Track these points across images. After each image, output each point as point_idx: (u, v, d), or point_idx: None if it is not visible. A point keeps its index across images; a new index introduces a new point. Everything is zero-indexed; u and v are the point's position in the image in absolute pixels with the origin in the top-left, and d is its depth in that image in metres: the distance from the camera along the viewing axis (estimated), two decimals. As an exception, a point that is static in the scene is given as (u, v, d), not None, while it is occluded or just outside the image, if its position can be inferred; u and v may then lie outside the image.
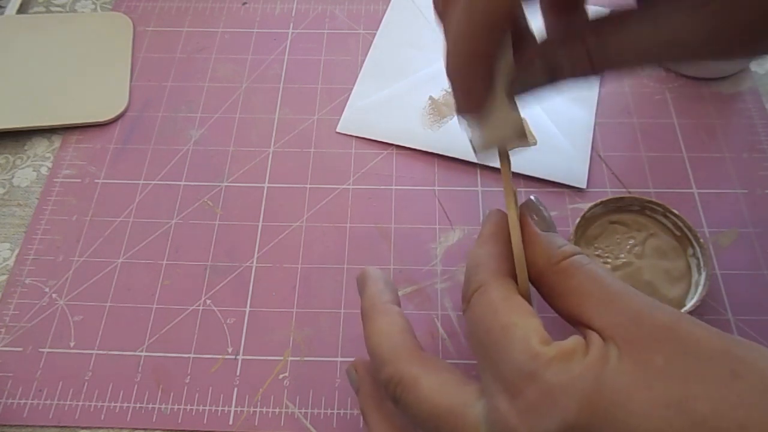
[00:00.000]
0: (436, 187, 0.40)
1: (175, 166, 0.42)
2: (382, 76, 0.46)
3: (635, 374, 0.18)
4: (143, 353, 0.35)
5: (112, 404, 0.33)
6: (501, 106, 0.23)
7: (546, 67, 0.22)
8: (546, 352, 0.19)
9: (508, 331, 0.20)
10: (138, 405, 0.33)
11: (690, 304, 0.33)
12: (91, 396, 0.33)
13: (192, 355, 0.35)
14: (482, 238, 0.24)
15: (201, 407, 0.33)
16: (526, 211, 0.24)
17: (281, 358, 0.34)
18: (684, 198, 0.39)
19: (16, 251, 0.39)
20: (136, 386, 0.34)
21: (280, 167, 0.42)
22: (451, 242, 0.38)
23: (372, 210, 0.40)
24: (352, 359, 0.31)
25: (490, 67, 0.22)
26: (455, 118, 0.43)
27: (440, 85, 0.45)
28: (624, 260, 0.35)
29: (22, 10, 0.51)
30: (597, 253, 0.35)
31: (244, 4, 0.51)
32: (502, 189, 0.24)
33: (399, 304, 0.27)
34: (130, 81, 0.46)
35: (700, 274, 0.34)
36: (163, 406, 0.33)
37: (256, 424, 0.32)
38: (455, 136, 0.42)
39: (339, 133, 0.43)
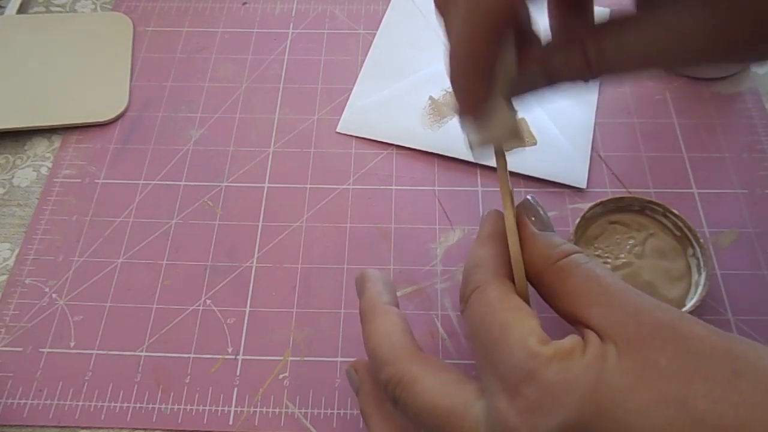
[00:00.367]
0: (436, 187, 0.40)
1: (175, 166, 0.42)
2: (382, 76, 0.46)
3: (635, 373, 0.18)
4: (143, 353, 0.35)
5: (112, 404, 0.33)
6: (499, 107, 0.23)
7: (544, 71, 0.22)
8: (544, 351, 0.19)
9: (506, 330, 0.20)
10: (138, 405, 0.33)
11: (690, 304, 0.33)
12: (91, 396, 0.33)
13: (192, 355, 0.35)
14: (480, 238, 0.24)
15: (201, 407, 0.33)
16: (523, 211, 0.24)
17: (281, 358, 0.34)
18: (684, 198, 0.39)
19: (16, 251, 0.39)
20: (136, 386, 0.34)
21: (280, 167, 0.42)
22: (451, 242, 0.38)
23: (372, 210, 0.40)
24: (352, 359, 0.31)
25: (491, 69, 0.22)
26: (455, 118, 0.43)
27: (440, 85, 0.45)
28: (624, 260, 0.35)
29: (22, 10, 0.51)
30: (597, 253, 0.35)
31: (244, 4, 0.51)
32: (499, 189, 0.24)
33: (398, 305, 0.27)
34: (130, 81, 0.46)
35: (700, 274, 0.34)
36: (163, 406, 0.33)
37: (256, 424, 0.32)
38: (455, 136, 0.42)
39: (339, 133, 0.43)
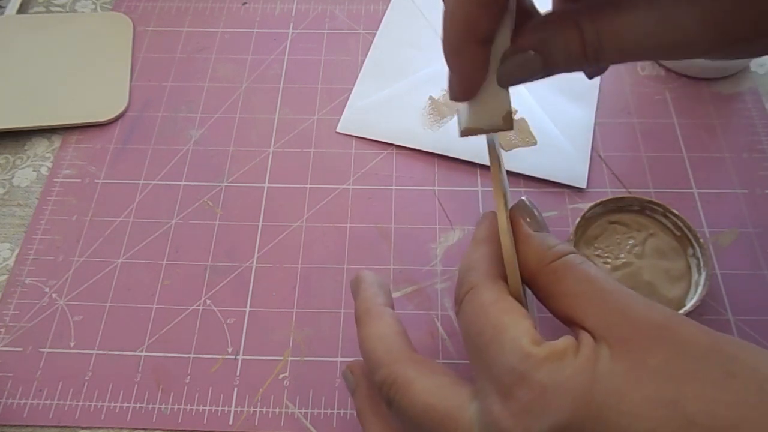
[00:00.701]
0: (436, 187, 0.40)
1: (175, 166, 0.42)
2: (382, 76, 0.46)
3: (627, 374, 0.18)
4: (143, 353, 0.35)
5: (112, 404, 0.33)
6: (492, 90, 0.23)
7: (539, 54, 0.22)
8: (537, 352, 0.19)
9: (499, 332, 0.20)
10: (138, 405, 0.33)
11: (690, 304, 0.33)
12: (91, 396, 0.33)
13: (192, 355, 0.35)
14: (475, 240, 0.24)
15: (201, 407, 0.33)
16: (518, 212, 0.24)
17: (281, 358, 0.34)
18: (684, 198, 0.39)
19: (16, 251, 0.39)
20: (136, 386, 0.34)
21: (280, 167, 0.42)
22: (451, 242, 0.38)
23: (372, 210, 0.40)
24: (352, 359, 0.31)
25: (484, 49, 0.22)
26: (455, 118, 0.43)
27: (440, 85, 0.45)
28: (624, 260, 0.35)
29: (22, 10, 0.51)
30: (597, 253, 0.35)
31: (244, 4, 0.51)
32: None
33: (393, 307, 0.27)
34: (130, 81, 0.46)
35: (700, 274, 0.34)
36: (163, 406, 0.33)
37: (256, 424, 0.32)
38: (455, 136, 0.42)
39: (339, 133, 0.43)
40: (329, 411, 0.33)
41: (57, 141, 0.44)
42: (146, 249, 0.38)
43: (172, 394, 0.33)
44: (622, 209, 0.36)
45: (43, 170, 0.42)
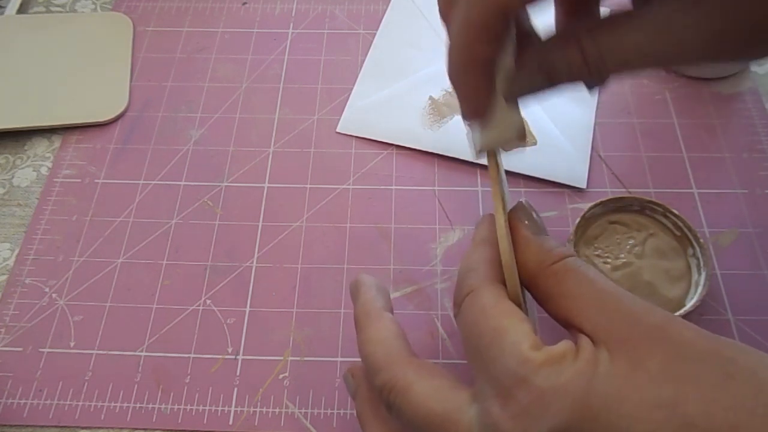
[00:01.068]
0: (436, 187, 0.40)
1: (175, 166, 0.42)
2: (382, 76, 0.46)
3: (626, 377, 0.18)
4: (143, 353, 0.35)
5: (112, 404, 0.33)
6: (501, 108, 0.23)
7: (543, 70, 0.22)
8: (536, 357, 0.19)
9: (498, 335, 0.20)
10: (138, 405, 0.33)
11: (690, 304, 0.33)
12: (91, 396, 0.33)
13: (192, 355, 0.35)
14: (474, 242, 0.24)
15: (201, 407, 0.33)
16: (516, 215, 0.24)
17: (281, 358, 0.34)
18: (684, 198, 0.39)
19: (16, 251, 0.39)
20: (136, 386, 0.34)
21: (280, 167, 0.42)
22: (451, 242, 0.38)
23: (372, 210, 0.40)
24: (352, 359, 0.31)
25: (491, 69, 0.22)
26: (455, 118, 0.43)
27: (440, 85, 0.45)
28: (624, 260, 0.35)
29: (22, 10, 0.51)
30: (597, 253, 0.35)
31: (244, 4, 0.51)
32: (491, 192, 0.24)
33: (392, 311, 0.27)
34: (130, 81, 0.46)
35: (700, 274, 0.34)
36: (163, 406, 0.33)
37: (256, 424, 0.32)
38: (455, 136, 0.42)
39: (339, 133, 0.43)
40: (329, 411, 0.33)
41: (57, 141, 0.44)
42: (146, 249, 0.38)
43: (172, 394, 0.33)
44: (622, 209, 0.36)
45: (43, 170, 0.42)
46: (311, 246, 0.38)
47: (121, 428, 0.33)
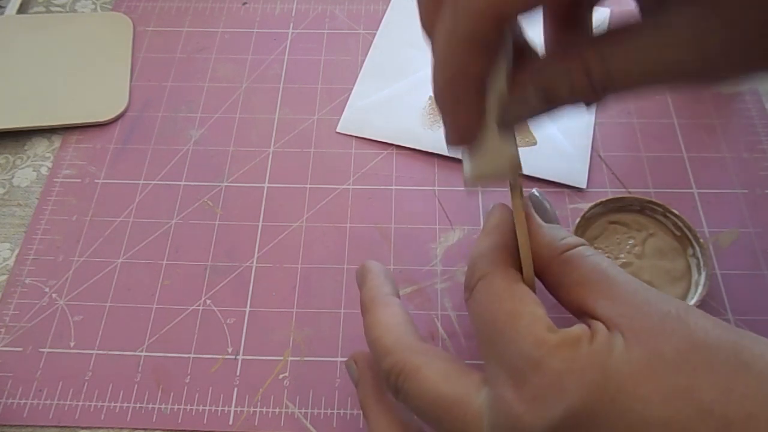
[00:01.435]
0: (436, 187, 0.40)
1: (175, 166, 0.42)
2: (382, 76, 0.46)
3: (642, 362, 0.18)
4: (143, 353, 0.35)
5: (112, 404, 0.33)
6: (493, 135, 0.21)
7: (541, 91, 0.20)
8: (551, 339, 0.19)
9: (512, 319, 0.20)
10: (138, 405, 0.33)
11: (690, 303, 0.33)
12: (91, 396, 0.33)
13: (192, 355, 0.35)
14: (486, 229, 0.24)
15: (201, 407, 0.33)
16: (528, 204, 0.24)
17: (281, 358, 0.34)
18: (684, 198, 0.39)
19: (16, 251, 0.39)
20: (136, 386, 0.34)
21: (280, 167, 0.42)
22: (451, 242, 0.38)
23: (372, 210, 0.40)
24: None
25: (480, 92, 0.20)
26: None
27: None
28: (624, 260, 0.35)
29: (22, 10, 0.51)
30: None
31: (244, 4, 0.51)
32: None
33: (398, 297, 0.27)
34: (130, 81, 0.46)
35: (700, 274, 0.34)
36: (163, 406, 0.33)
37: (256, 424, 0.32)
38: (455, 136, 0.42)
39: (339, 133, 0.43)
40: (329, 411, 0.33)
41: (57, 141, 0.44)
42: (146, 249, 0.38)
43: (172, 394, 0.33)
44: (622, 209, 0.36)
45: (43, 170, 0.42)
46: (311, 246, 0.38)
47: (121, 428, 0.33)
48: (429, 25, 0.21)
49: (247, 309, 0.36)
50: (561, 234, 0.22)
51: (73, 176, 0.42)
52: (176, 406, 0.33)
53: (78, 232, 0.39)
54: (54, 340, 0.35)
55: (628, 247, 0.35)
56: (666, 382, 0.17)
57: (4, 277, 0.38)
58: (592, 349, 0.18)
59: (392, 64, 0.47)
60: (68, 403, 0.33)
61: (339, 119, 0.44)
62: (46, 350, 0.35)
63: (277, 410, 0.33)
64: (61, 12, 0.52)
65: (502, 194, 0.39)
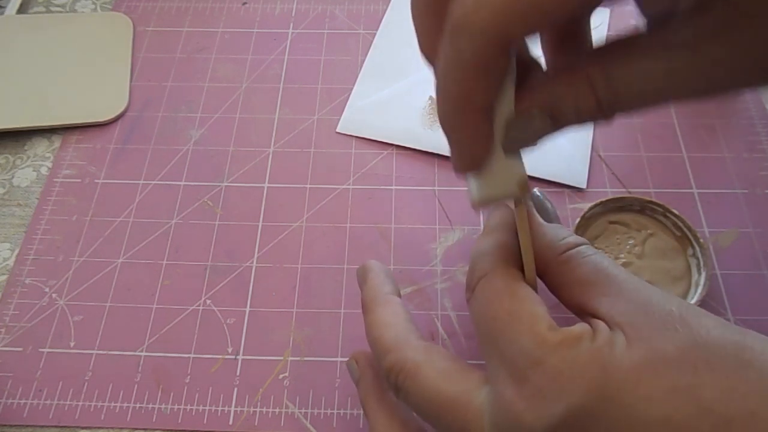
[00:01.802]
0: (436, 187, 0.40)
1: (175, 166, 0.42)
2: (382, 76, 0.46)
3: (643, 360, 0.18)
4: (143, 353, 0.35)
5: (112, 404, 0.33)
6: (499, 156, 0.21)
7: (547, 115, 0.20)
8: (553, 337, 0.19)
9: (514, 317, 0.20)
10: (138, 405, 0.33)
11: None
12: (91, 396, 0.33)
13: (192, 355, 0.35)
14: (488, 228, 0.24)
15: (201, 407, 0.33)
16: (530, 204, 0.24)
17: (281, 358, 0.34)
18: (684, 198, 0.39)
19: (16, 251, 0.39)
20: (136, 386, 0.34)
21: (280, 167, 0.42)
22: (451, 242, 0.38)
23: (372, 210, 0.40)
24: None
25: (487, 118, 0.20)
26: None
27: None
28: (624, 260, 0.35)
29: (22, 10, 0.51)
30: (597, 253, 0.35)
31: (244, 4, 0.51)
32: None
33: (399, 296, 0.27)
34: (130, 81, 0.46)
35: (700, 274, 0.34)
36: (163, 406, 0.33)
37: (256, 424, 0.32)
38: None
39: (339, 133, 0.43)
40: (329, 411, 0.33)
41: (57, 141, 0.44)
42: (146, 249, 0.38)
43: (172, 394, 0.33)
44: (622, 209, 0.36)
45: (43, 170, 0.42)
46: (311, 246, 0.38)
47: (121, 428, 0.33)
48: (429, 50, 0.20)
49: (247, 309, 0.36)
50: (562, 233, 0.22)
51: (73, 176, 0.42)
52: (176, 406, 0.33)
53: (78, 232, 0.39)
54: (54, 340, 0.35)
55: (628, 247, 0.35)
56: (667, 381, 0.17)
57: (4, 277, 0.38)
58: (593, 347, 0.18)
59: (392, 64, 0.47)
60: (68, 403, 0.33)
61: (339, 119, 0.44)
62: (46, 350, 0.35)
63: (277, 410, 0.33)
64: (61, 12, 0.52)
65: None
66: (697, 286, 0.33)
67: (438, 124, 0.43)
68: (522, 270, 0.23)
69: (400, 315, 0.25)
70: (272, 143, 0.43)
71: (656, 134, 0.42)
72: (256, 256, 0.38)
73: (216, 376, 0.34)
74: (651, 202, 0.36)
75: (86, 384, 0.34)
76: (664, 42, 0.18)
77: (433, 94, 0.44)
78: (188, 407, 0.33)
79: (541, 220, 0.23)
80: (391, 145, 0.42)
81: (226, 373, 0.34)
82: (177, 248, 0.38)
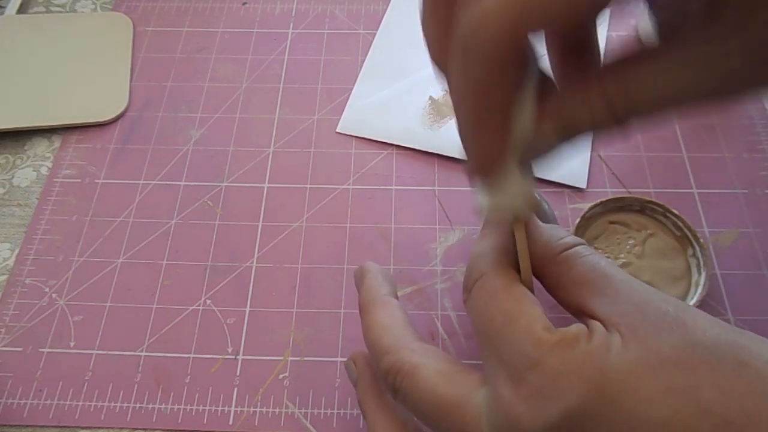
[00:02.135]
0: (436, 187, 0.40)
1: (175, 166, 0.42)
2: (382, 76, 0.46)
3: (640, 361, 0.18)
4: (143, 353, 0.35)
5: (112, 404, 0.33)
6: (513, 169, 0.21)
7: (561, 129, 0.19)
8: (549, 338, 0.19)
9: (510, 319, 0.20)
10: (138, 405, 0.33)
11: (690, 304, 0.33)
12: (91, 396, 0.33)
13: (192, 355, 0.35)
14: (485, 230, 0.24)
15: (201, 407, 0.33)
16: None
17: (281, 358, 0.34)
18: (684, 198, 0.39)
19: (16, 251, 0.39)
20: (136, 386, 0.34)
21: (280, 167, 0.42)
22: (451, 242, 0.38)
23: (372, 210, 0.40)
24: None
25: (504, 122, 0.19)
26: (455, 120, 0.43)
27: (440, 85, 0.45)
28: (624, 260, 0.35)
29: (22, 10, 0.51)
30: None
31: (244, 4, 0.51)
32: None
33: (397, 297, 0.27)
34: (130, 81, 0.46)
35: (700, 274, 0.34)
36: (163, 406, 0.33)
37: (256, 424, 0.32)
38: (455, 136, 0.42)
39: (339, 133, 0.43)
40: (329, 411, 0.33)
41: (57, 141, 0.44)
42: (146, 249, 0.38)
43: (172, 394, 0.33)
44: (622, 209, 0.36)
45: (43, 170, 0.42)
46: (311, 246, 0.38)
47: (121, 428, 0.33)
48: (439, 56, 0.20)
49: (247, 309, 0.36)
50: (559, 234, 0.22)
51: (73, 176, 0.42)
52: (176, 406, 0.33)
53: (78, 232, 0.39)
54: (54, 340, 0.35)
55: (628, 247, 0.35)
56: (664, 381, 0.17)
57: (4, 277, 0.38)
58: (589, 348, 0.18)
59: (392, 64, 0.47)
60: (68, 403, 0.33)
61: (339, 119, 0.44)
62: (46, 350, 0.35)
63: (277, 410, 0.33)
64: (61, 12, 0.52)
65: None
66: (697, 286, 0.33)
67: (438, 124, 0.43)
68: (519, 271, 0.23)
69: (397, 317, 0.25)
70: (272, 143, 0.43)
71: (656, 134, 0.42)
72: (256, 256, 0.38)
73: (216, 376, 0.34)
74: (651, 202, 0.36)
75: (86, 384, 0.34)
76: (678, 54, 0.18)
77: (433, 94, 0.44)
78: (188, 407, 0.33)
79: (537, 220, 0.23)
80: (391, 145, 0.42)
81: (226, 373, 0.34)
82: (177, 248, 0.38)
